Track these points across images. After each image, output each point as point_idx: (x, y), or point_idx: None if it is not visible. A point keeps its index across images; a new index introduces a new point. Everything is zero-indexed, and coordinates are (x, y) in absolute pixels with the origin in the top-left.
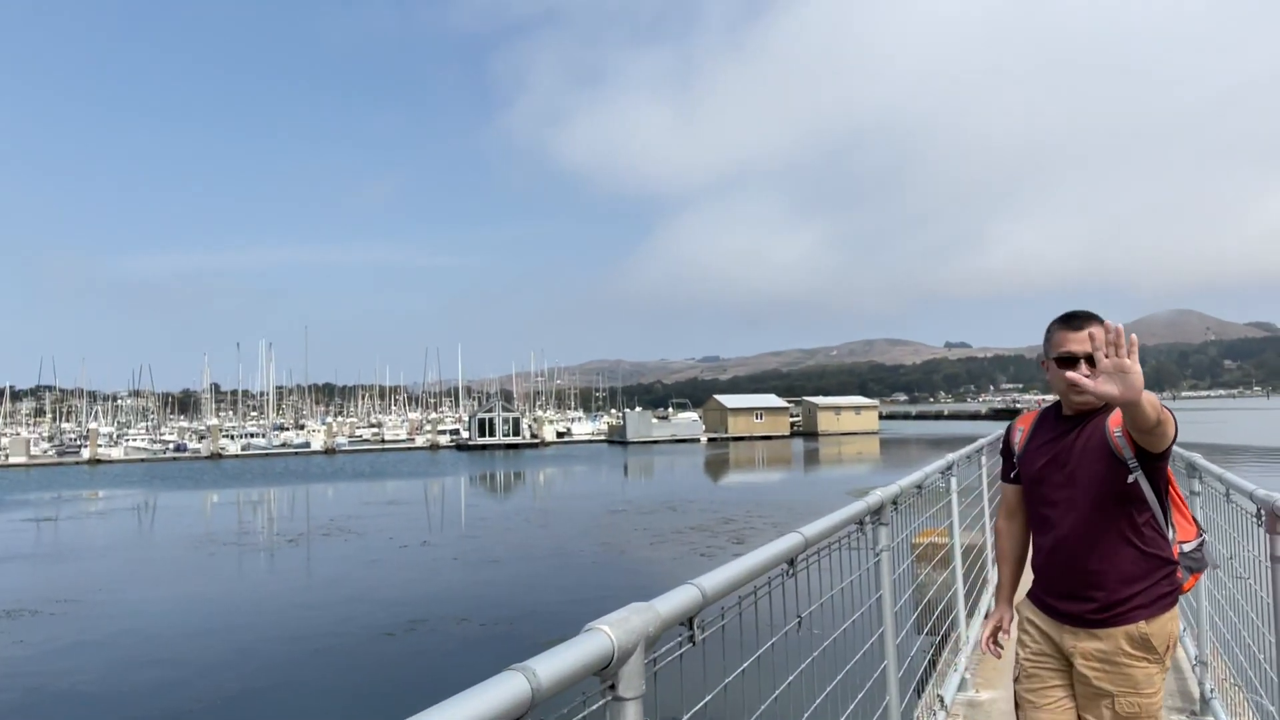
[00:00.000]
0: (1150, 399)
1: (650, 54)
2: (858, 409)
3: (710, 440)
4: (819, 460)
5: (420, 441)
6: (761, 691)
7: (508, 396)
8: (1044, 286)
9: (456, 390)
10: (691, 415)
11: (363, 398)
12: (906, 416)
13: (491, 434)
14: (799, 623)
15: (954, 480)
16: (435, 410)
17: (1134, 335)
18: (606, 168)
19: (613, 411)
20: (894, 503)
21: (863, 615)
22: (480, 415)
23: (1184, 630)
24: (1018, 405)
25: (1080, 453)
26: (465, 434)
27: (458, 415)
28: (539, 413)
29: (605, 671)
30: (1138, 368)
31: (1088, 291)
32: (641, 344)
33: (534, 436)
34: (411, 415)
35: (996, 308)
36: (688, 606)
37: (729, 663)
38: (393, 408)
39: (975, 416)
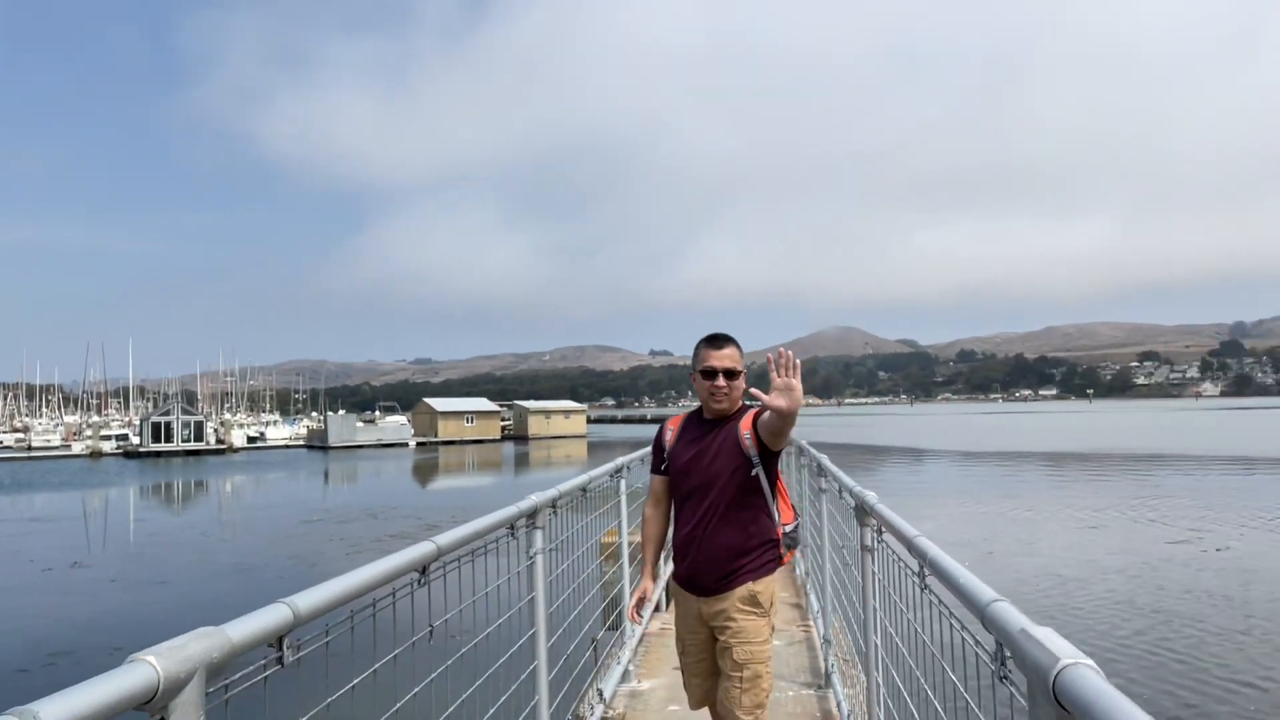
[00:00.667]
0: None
1: (364, 42)
2: (567, 413)
3: (419, 445)
4: (529, 463)
5: (79, 448)
6: (381, 707)
7: (190, 398)
8: (738, 300)
9: (126, 390)
10: (400, 419)
11: (6, 397)
12: (613, 420)
13: (168, 439)
14: (430, 632)
15: (623, 483)
16: (99, 413)
17: (798, 360)
18: (313, 158)
19: (314, 415)
20: (553, 506)
21: (516, 619)
22: (154, 418)
23: (817, 612)
24: None
25: (716, 450)
26: (135, 439)
27: (127, 419)
28: (227, 415)
29: (151, 704)
30: (799, 385)
31: (772, 306)
32: (348, 344)
33: (220, 442)
34: (68, 418)
35: (697, 318)
36: (273, 627)
37: (338, 682)
38: (44, 410)
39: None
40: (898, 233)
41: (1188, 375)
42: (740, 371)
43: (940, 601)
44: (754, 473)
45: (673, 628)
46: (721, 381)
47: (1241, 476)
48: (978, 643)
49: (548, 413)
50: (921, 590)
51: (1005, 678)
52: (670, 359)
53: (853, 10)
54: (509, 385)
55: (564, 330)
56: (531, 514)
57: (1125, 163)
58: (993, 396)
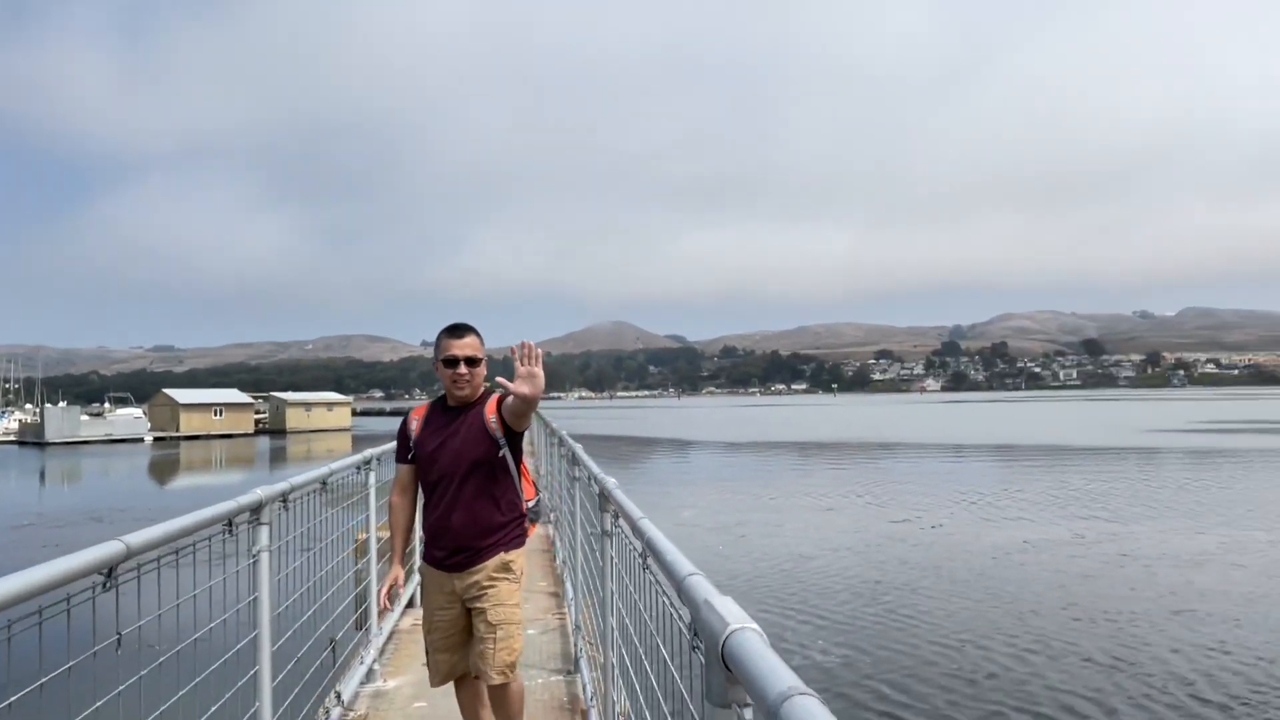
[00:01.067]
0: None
1: None
2: (330, 405)
3: (158, 440)
4: (285, 459)
5: None
6: None
7: None
8: (513, 292)
9: None
10: (135, 411)
11: None
12: (381, 413)
13: None
14: (118, 641)
15: (372, 475)
16: None
17: (540, 350)
18: (34, 116)
19: (28, 407)
20: (283, 500)
21: (234, 622)
22: None
23: (571, 599)
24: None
25: (464, 435)
26: None
27: None
28: None
29: None
30: (541, 372)
31: (548, 300)
32: (73, 328)
33: None
34: None
35: (472, 309)
36: None
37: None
38: None
39: None
40: (668, 232)
41: (915, 372)
42: (481, 359)
43: (657, 581)
44: (501, 454)
45: (400, 591)
46: (463, 369)
47: (952, 462)
48: (679, 616)
49: (308, 405)
50: (644, 570)
51: (696, 647)
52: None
53: (629, 20)
54: (266, 376)
55: (330, 319)
56: (256, 508)
57: (863, 179)
58: (752, 390)
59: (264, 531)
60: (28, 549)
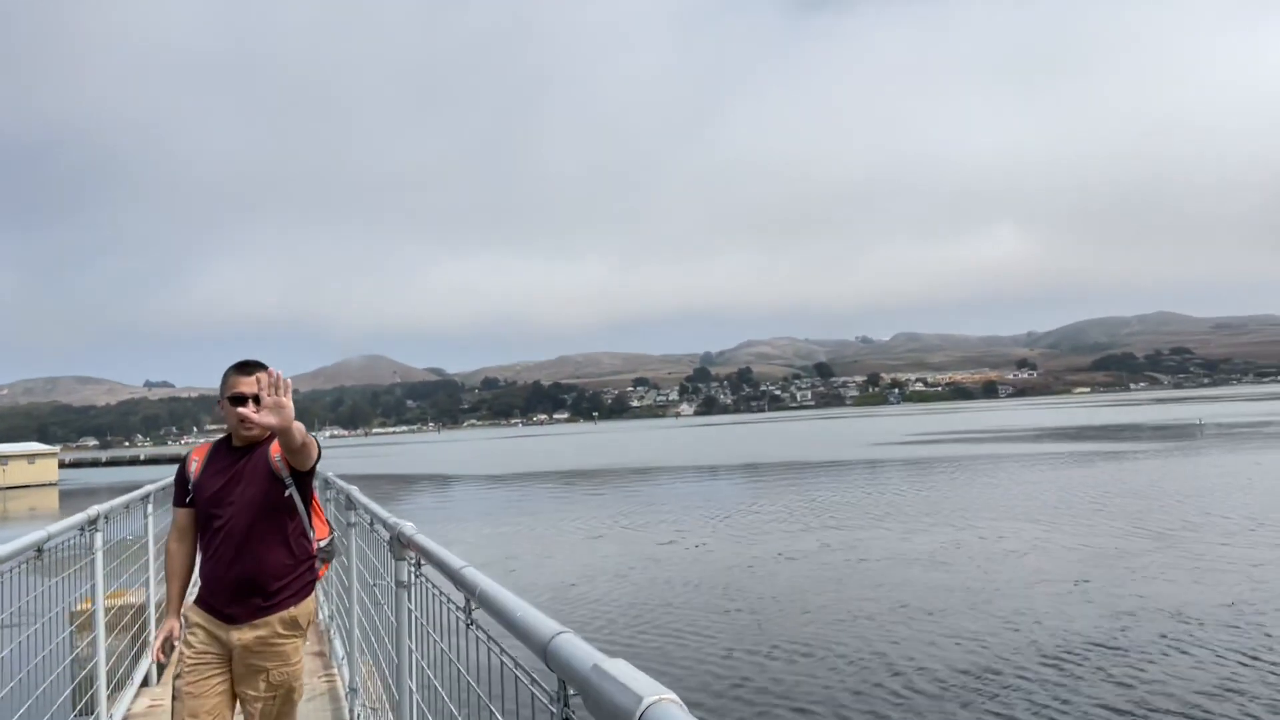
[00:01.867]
0: (299, 428)
1: None
2: (31, 457)
3: None
4: None
5: None
6: None
7: None
8: (246, 326)
9: None
10: None
11: None
12: (96, 463)
13: None
14: None
15: (99, 536)
16: None
17: (288, 379)
18: None
19: None
20: None
21: None
22: None
23: (343, 658)
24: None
25: (248, 476)
26: None
27: None
28: None
29: None
30: (290, 403)
31: (290, 334)
32: None
33: None
34: None
35: (205, 346)
36: None
37: None
38: None
39: (176, 460)
40: (422, 263)
41: (670, 398)
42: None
43: (490, 638)
44: (287, 493)
45: (164, 703)
46: (251, 408)
47: (708, 482)
48: (535, 680)
49: (4, 458)
50: (468, 626)
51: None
52: (171, 390)
53: (378, 39)
54: None
55: (29, 359)
56: None
57: (615, 212)
58: (514, 421)
59: None
60: None
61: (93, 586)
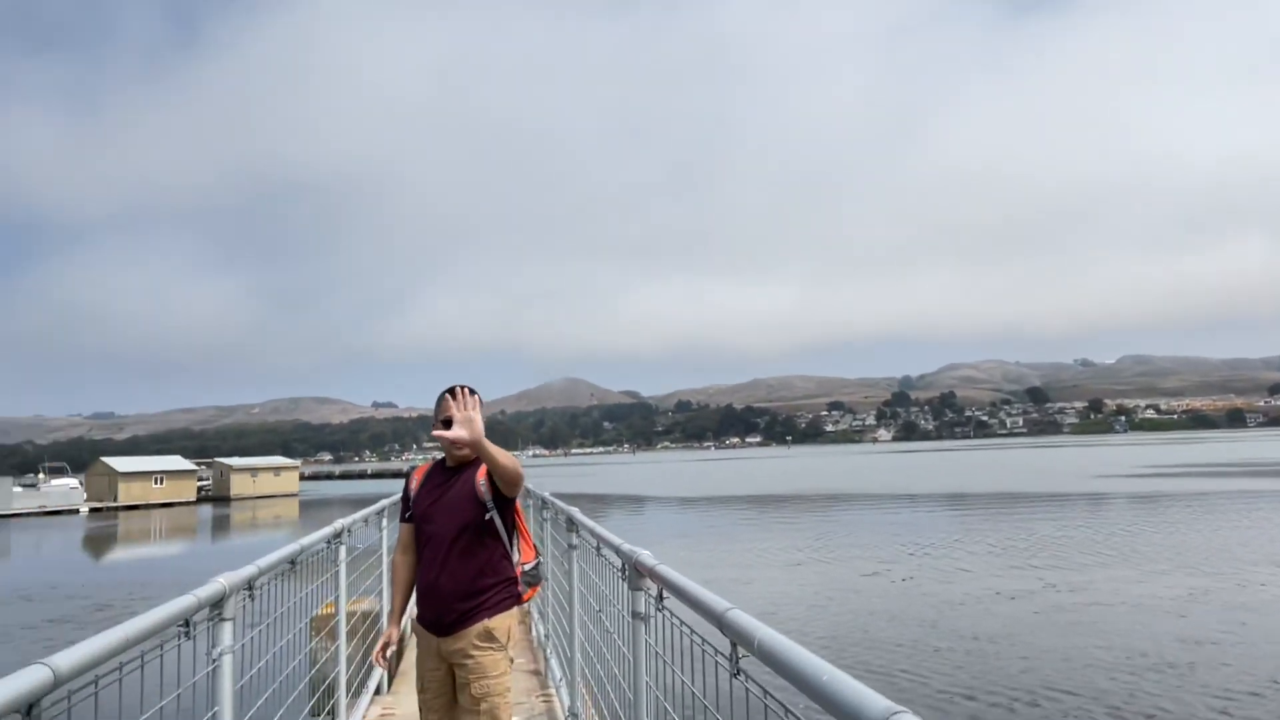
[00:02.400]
0: (501, 452)
1: (45, 60)
2: (277, 470)
3: (94, 510)
4: (229, 527)
5: None
6: None
7: None
8: (464, 351)
9: None
10: (70, 481)
11: None
12: (330, 476)
13: None
14: None
15: (343, 549)
16: None
17: (478, 395)
18: None
19: None
20: (249, 588)
21: None
22: None
23: (560, 680)
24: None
25: (455, 496)
26: None
27: None
28: None
29: None
30: (478, 417)
31: (497, 358)
32: (7, 396)
33: None
34: None
35: (423, 370)
36: None
37: None
38: None
39: (399, 474)
40: (617, 289)
41: (867, 423)
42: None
43: (766, 693)
44: (488, 517)
45: (395, 713)
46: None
47: (909, 512)
48: None
49: (254, 470)
50: (733, 676)
51: None
52: (394, 411)
53: (576, 84)
54: (210, 441)
55: (276, 381)
56: (217, 602)
57: (806, 234)
58: (706, 444)
59: (226, 629)
60: None
61: (337, 597)
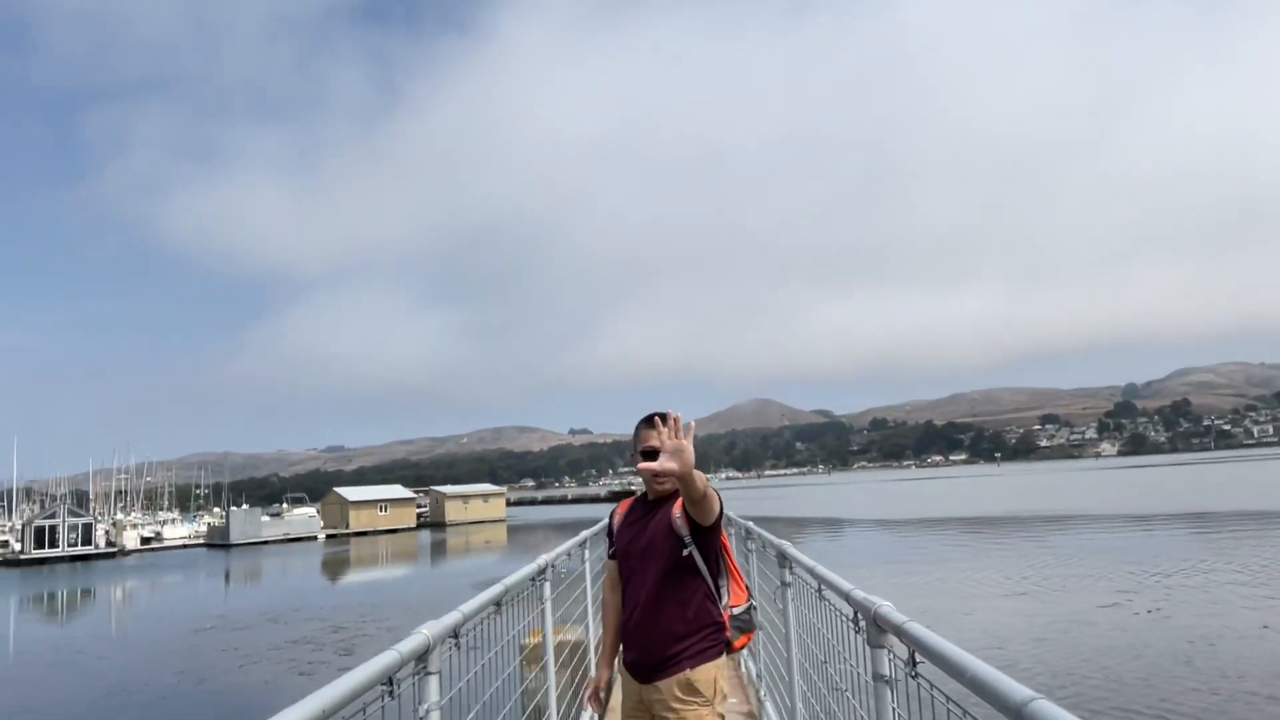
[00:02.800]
0: (701, 477)
1: (271, 132)
2: (485, 497)
3: (330, 537)
4: (446, 552)
5: None
6: None
7: (81, 498)
8: (652, 376)
9: (10, 493)
10: (309, 510)
11: None
12: (533, 502)
13: (54, 544)
14: None
15: (548, 586)
16: None
17: (691, 422)
18: (215, 247)
19: (216, 510)
20: (454, 636)
21: None
22: (39, 522)
23: None
24: (631, 487)
25: (653, 531)
26: (17, 545)
27: (10, 524)
28: (120, 515)
29: None
30: (690, 447)
31: (685, 382)
32: (256, 435)
33: (111, 544)
34: None
35: (614, 396)
36: None
37: None
38: None
39: (596, 499)
40: (804, 307)
41: (1086, 436)
42: None
43: None
44: (686, 552)
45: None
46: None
47: (1143, 534)
48: None
49: (465, 497)
50: None
51: None
52: (590, 437)
53: (753, 107)
54: (426, 470)
55: (481, 412)
56: (421, 655)
57: (1003, 239)
58: (906, 463)
59: (432, 683)
60: (209, 654)
61: (543, 624)
